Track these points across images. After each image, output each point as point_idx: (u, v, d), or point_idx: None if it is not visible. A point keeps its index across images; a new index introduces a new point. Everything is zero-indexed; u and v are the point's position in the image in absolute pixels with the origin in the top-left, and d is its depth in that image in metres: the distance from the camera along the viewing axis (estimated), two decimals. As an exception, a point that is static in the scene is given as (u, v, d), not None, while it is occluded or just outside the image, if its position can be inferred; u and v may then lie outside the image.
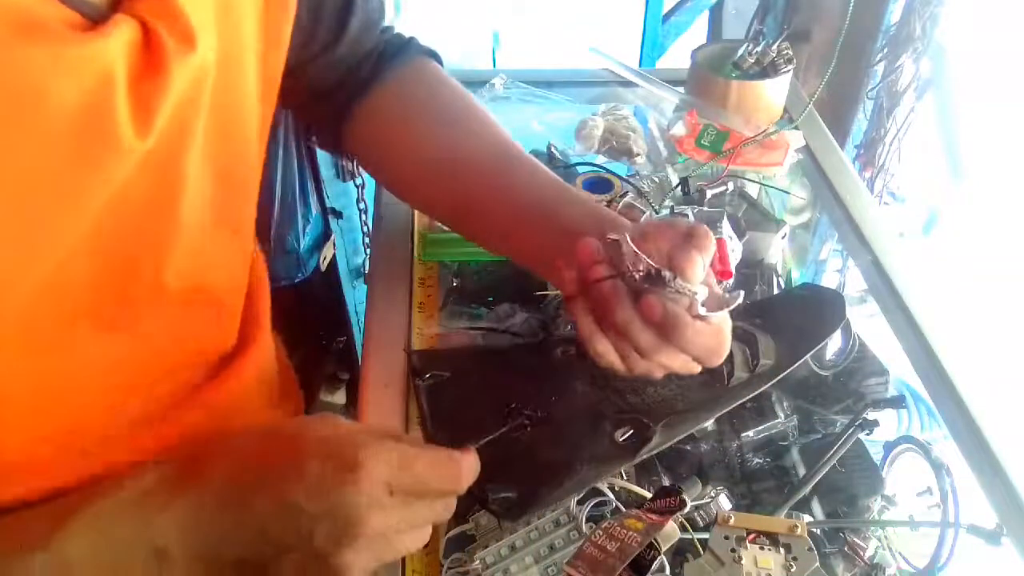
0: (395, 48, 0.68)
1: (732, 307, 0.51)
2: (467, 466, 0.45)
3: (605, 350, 0.52)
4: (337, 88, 0.66)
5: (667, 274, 0.48)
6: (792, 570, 0.49)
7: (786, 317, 0.66)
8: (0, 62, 0.31)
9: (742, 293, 0.52)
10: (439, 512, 0.45)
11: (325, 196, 1.43)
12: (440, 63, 0.72)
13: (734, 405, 0.60)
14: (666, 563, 0.55)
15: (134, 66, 0.36)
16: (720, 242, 0.76)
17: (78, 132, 0.35)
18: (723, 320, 0.52)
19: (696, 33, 1.62)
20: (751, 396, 0.60)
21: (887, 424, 0.69)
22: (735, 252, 0.77)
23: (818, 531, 0.61)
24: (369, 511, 0.39)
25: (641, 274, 0.48)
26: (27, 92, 0.33)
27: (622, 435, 0.58)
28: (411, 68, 0.68)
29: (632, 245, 0.49)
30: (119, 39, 0.35)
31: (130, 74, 0.36)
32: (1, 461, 0.40)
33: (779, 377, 0.60)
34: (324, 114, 0.68)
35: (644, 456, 0.57)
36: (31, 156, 0.34)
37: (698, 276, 0.49)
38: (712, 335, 0.51)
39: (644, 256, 0.49)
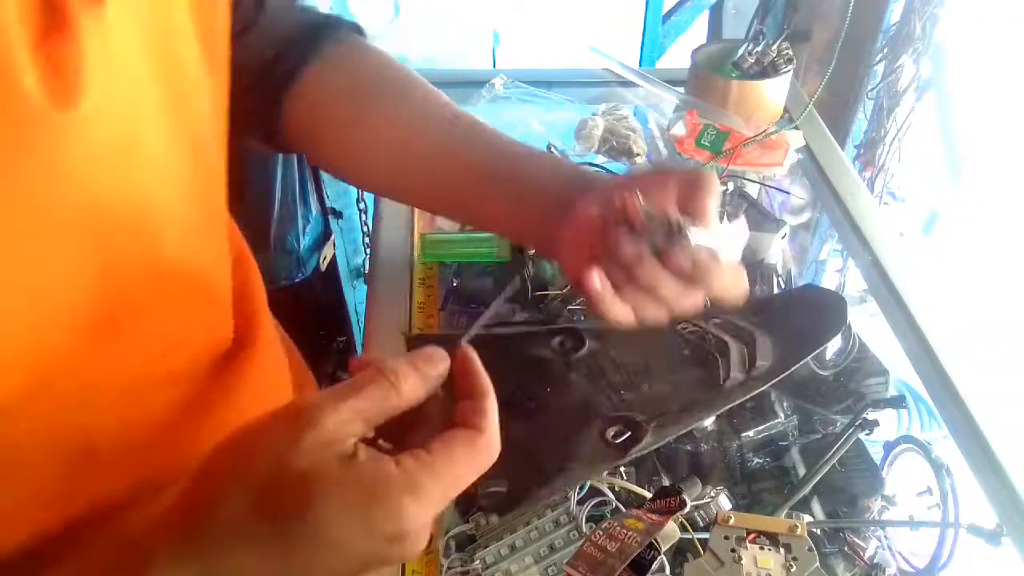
0: (319, 26, 0.65)
1: (744, 242, 0.52)
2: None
3: (626, 315, 0.52)
4: (265, 74, 0.63)
5: (686, 225, 0.48)
6: (792, 570, 0.49)
7: (786, 318, 0.66)
8: None
9: (745, 223, 0.53)
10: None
11: (325, 196, 1.43)
12: (364, 36, 0.69)
13: (729, 406, 0.60)
14: (666, 563, 0.55)
15: (34, 27, 0.33)
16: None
17: None
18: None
19: (696, 33, 1.62)
20: (746, 398, 0.60)
21: (887, 424, 0.69)
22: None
23: (818, 531, 0.61)
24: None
25: (661, 231, 0.49)
26: None
27: (614, 433, 0.58)
28: (348, 47, 0.66)
29: (646, 204, 0.49)
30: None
31: (31, 36, 0.32)
32: (12, 495, 0.38)
33: (775, 380, 0.60)
34: (254, 104, 0.64)
35: (635, 455, 0.57)
36: None
37: (715, 220, 0.50)
38: (733, 272, 0.51)
39: (662, 211, 0.49)
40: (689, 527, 0.58)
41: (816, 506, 0.63)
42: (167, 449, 0.46)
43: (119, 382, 0.41)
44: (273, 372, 0.59)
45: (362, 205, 1.46)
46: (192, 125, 0.44)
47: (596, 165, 0.93)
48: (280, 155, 1.30)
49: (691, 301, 0.52)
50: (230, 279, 0.52)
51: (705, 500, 0.61)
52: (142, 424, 0.44)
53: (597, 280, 0.51)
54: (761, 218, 0.83)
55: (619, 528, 0.49)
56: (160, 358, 0.45)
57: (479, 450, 0.39)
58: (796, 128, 1.00)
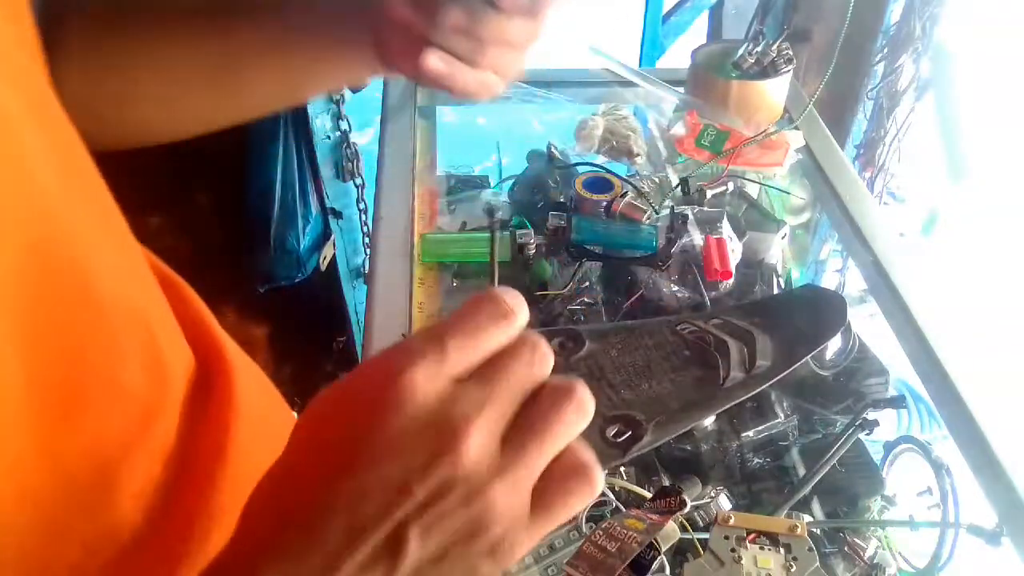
0: None
1: None
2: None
3: (489, 81, 0.51)
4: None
5: None
6: (792, 570, 0.49)
7: (786, 318, 0.66)
8: None
9: None
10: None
11: (325, 196, 1.43)
12: None
13: (729, 405, 0.60)
14: (666, 563, 0.55)
15: None
16: (720, 242, 0.77)
17: None
18: None
19: (696, 33, 1.62)
20: (746, 396, 0.60)
21: (887, 424, 0.69)
22: (735, 252, 0.77)
23: (818, 531, 0.61)
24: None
25: None
26: None
27: (614, 432, 0.58)
28: None
29: None
30: None
31: None
32: None
33: (775, 379, 0.60)
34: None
35: (635, 454, 0.57)
36: None
37: None
38: None
39: None
40: (689, 527, 0.58)
41: (816, 506, 0.63)
42: (183, 519, 0.40)
43: (94, 462, 0.36)
44: (258, 389, 0.52)
45: (362, 205, 1.46)
46: (40, 99, 0.36)
47: (597, 166, 0.93)
48: (280, 154, 1.31)
49: (540, 32, 0.51)
50: (165, 301, 0.46)
51: (705, 500, 0.61)
52: (141, 501, 0.38)
53: (435, 59, 0.48)
54: (761, 218, 0.83)
55: (619, 528, 0.49)
56: (130, 418, 0.38)
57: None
58: (796, 128, 1.00)
